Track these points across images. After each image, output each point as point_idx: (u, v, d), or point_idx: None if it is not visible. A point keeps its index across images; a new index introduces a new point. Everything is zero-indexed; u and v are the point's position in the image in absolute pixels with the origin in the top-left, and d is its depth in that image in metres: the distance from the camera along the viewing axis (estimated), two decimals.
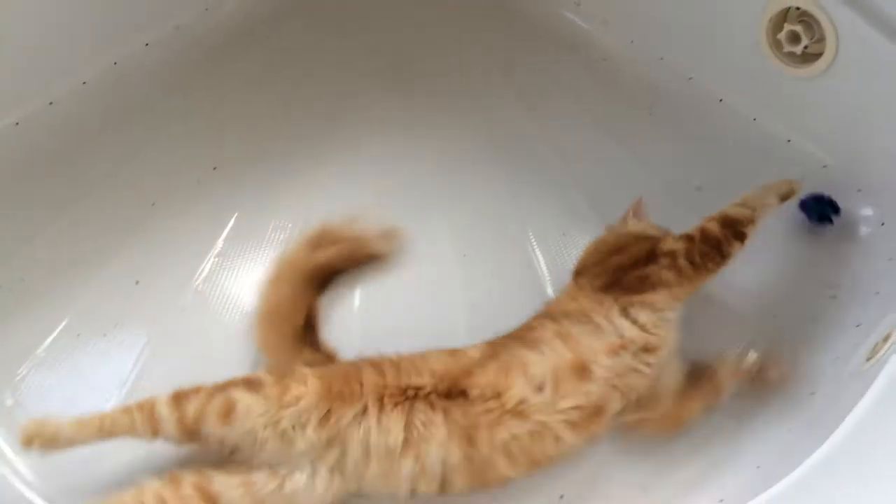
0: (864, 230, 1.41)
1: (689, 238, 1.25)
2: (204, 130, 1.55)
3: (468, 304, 1.42)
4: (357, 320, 1.40)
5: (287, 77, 1.64)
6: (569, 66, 1.70)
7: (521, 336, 1.21)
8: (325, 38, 1.69)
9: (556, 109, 1.64)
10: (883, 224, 1.42)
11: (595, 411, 1.15)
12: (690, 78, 1.62)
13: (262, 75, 1.64)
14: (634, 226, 1.37)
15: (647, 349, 1.18)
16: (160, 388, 1.28)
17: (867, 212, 1.44)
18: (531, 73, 1.69)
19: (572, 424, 1.13)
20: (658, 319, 1.21)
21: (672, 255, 1.24)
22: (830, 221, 1.41)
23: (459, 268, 1.47)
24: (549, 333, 1.18)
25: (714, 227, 1.24)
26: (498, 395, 1.13)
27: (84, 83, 1.54)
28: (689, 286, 1.24)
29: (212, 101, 1.59)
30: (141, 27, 1.59)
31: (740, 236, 1.24)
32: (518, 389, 1.13)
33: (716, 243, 1.23)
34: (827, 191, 1.43)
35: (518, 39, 1.73)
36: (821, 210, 1.41)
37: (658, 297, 1.22)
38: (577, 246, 1.40)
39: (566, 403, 1.13)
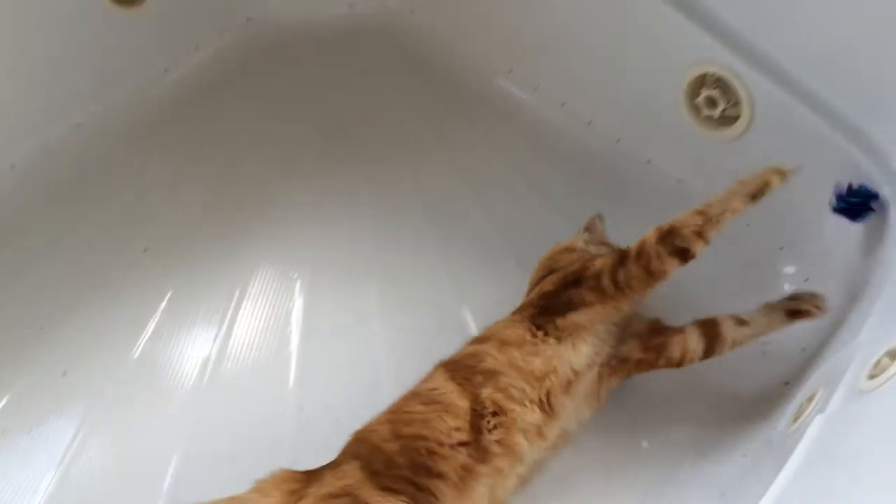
0: (788, 287, 1.43)
1: (620, 255, 1.21)
2: (134, 212, 1.55)
3: (399, 377, 1.40)
4: (292, 397, 1.39)
5: (219, 154, 1.65)
6: (503, 132, 1.73)
7: (474, 367, 1.19)
8: (258, 114, 1.71)
9: (490, 176, 1.66)
10: (807, 280, 1.45)
11: (565, 432, 1.21)
12: (619, 140, 1.66)
13: (193, 153, 1.64)
14: (567, 240, 1.39)
15: (591, 365, 1.21)
16: (91, 481, 1.27)
17: (790, 269, 1.46)
18: (466, 142, 1.72)
19: (554, 447, 1.20)
20: (593, 338, 1.21)
21: (597, 276, 1.22)
22: (870, 209, 1.24)
23: (394, 338, 1.47)
24: (502, 363, 1.19)
25: (650, 242, 1.19)
26: (512, 453, 1.15)
27: (12, 166, 1.52)
28: (619, 304, 1.21)
29: (142, 182, 1.59)
30: (71, 108, 1.58)
31: (679, 253, 1.18)
32: (523, 450, 1.15)
33: (646, 261, 1.18)
34: (750, 249, 1.47)
35: (453, 109, 1.76)
36: (857, 207, 1.25)
37: (583, 316, 1.21)
38: None
39: (546, 443, 1.18)
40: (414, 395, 1.21)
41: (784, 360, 1.36)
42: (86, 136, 1.59)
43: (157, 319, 1.44)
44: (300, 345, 1.44)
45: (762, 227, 1.49)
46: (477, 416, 1.14)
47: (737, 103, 1.41)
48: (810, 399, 1.15)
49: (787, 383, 1.32)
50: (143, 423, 1.35)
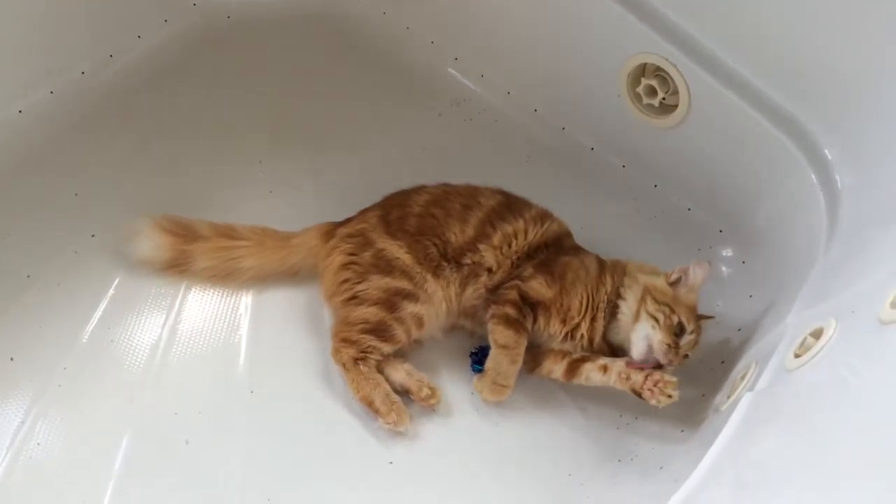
0: (725, 270, 1.49)
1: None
2: (81, 197, 1.53)
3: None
4: (243, 380, 1.40)
5: (168, 141, 1.63)
6: (450, 118, 1.75)
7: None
8: (204, 100, 1.70)
9: (437, 161, 1.68)
10: (743, 262, 1.50)
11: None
12: (564, 128, 1.70)
13: (141, 140, 1.62)
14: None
15: None
16: (40, 465, 1.27)
17: (728, 252, 1.52)
18: (414, 128, 1.73)
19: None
20: None
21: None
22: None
23: None
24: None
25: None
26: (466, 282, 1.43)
27: None
28: None
29: (88, 169, 1.56)
30: (14, 93, 1.56)
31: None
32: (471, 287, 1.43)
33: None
34: (692, 232, 1.54)
35: (401, 96, 1.77)
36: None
37: None
38: None
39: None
40: (467, 195, 1.46)
41: (720, 339, 1.42)
42: (29, 123, 1.57)
43: (105, 304, 1.43)
44: (250, 328, 1.44)
45: (703, 212, 1.55)
46: (475, 242, 1.40)
47: (675, 92, 1.45)
48: (743, 377, 1.20)
49: (723, 361, 1.37)
50: (93, 407, 1.34)
